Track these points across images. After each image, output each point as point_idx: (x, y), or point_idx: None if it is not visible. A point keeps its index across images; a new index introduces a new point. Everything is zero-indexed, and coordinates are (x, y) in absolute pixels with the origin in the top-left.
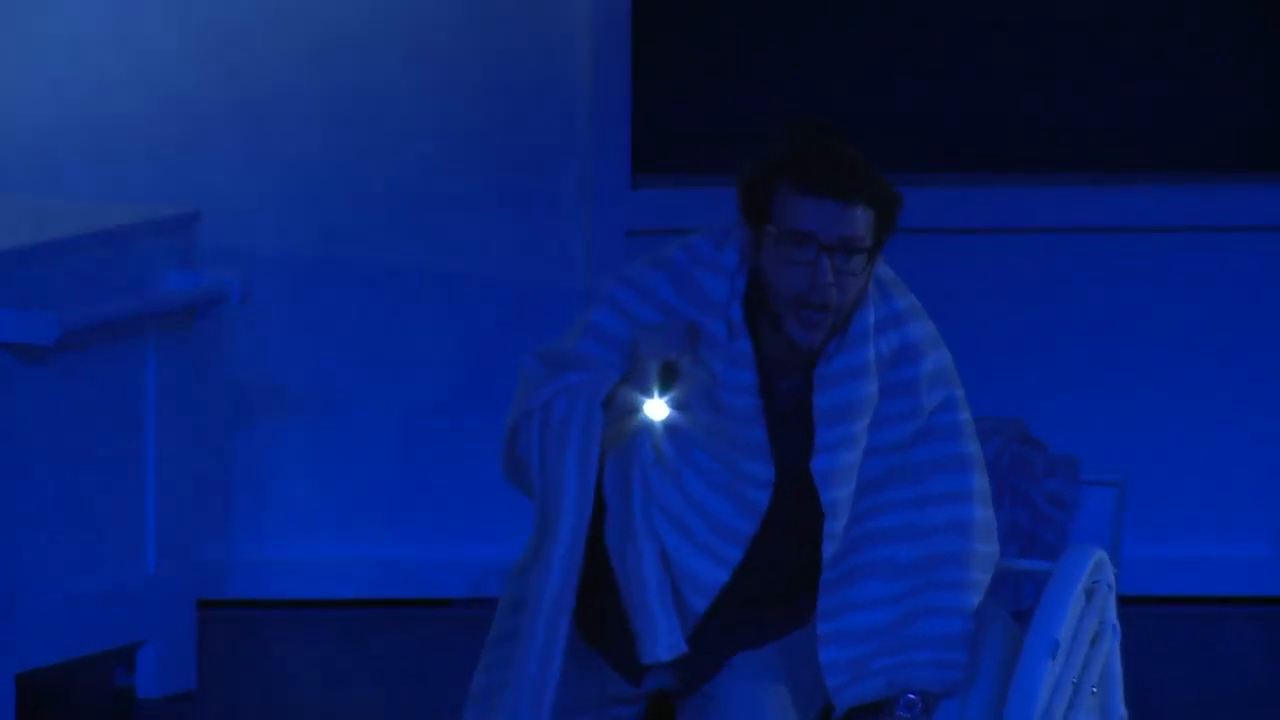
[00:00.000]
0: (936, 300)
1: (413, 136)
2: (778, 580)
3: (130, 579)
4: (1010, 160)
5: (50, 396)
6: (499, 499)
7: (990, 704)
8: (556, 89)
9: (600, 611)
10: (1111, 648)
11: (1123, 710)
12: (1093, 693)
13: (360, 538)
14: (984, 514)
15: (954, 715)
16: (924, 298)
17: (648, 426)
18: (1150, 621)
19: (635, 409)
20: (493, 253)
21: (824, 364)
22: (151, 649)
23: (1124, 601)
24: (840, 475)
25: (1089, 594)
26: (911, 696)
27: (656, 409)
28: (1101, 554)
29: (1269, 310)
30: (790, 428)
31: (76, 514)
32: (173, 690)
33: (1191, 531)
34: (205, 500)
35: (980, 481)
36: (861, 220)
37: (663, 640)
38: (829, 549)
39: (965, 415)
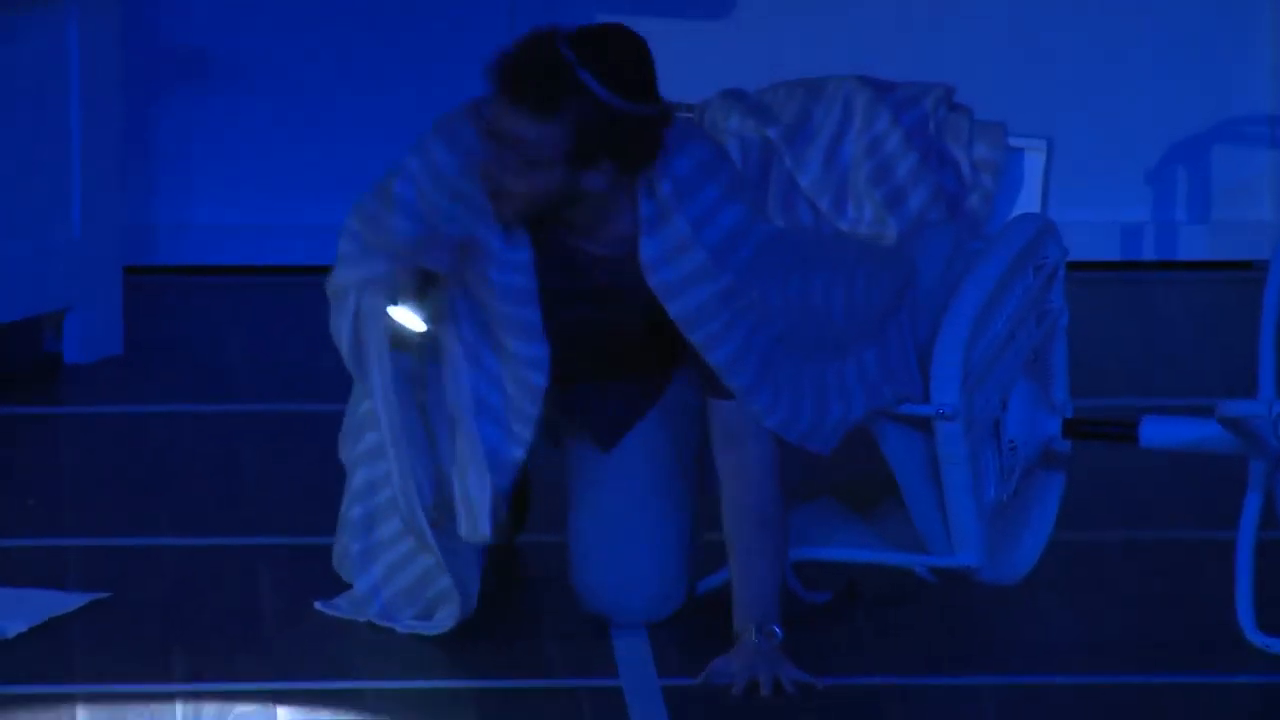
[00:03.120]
0: None
1: None
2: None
3: (56, 244)
4: None
5: None
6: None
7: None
8: None
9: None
10: (1054, 330)
11: (1065, 395)
12: (1031, 360)
13: (283, 207)
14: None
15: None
16: None
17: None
18: (1074, 287)
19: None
20: None
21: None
22: (77, 314)
23: None
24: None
25: (1037, 269)
26: None
27: (407, 318)
28: (1049, 225)
29: None
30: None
31: (2, 181)
32: (99, 356)
33: (1115, 195)
34: (130, 167)
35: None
36: (529, 127)
37: (481, 521)
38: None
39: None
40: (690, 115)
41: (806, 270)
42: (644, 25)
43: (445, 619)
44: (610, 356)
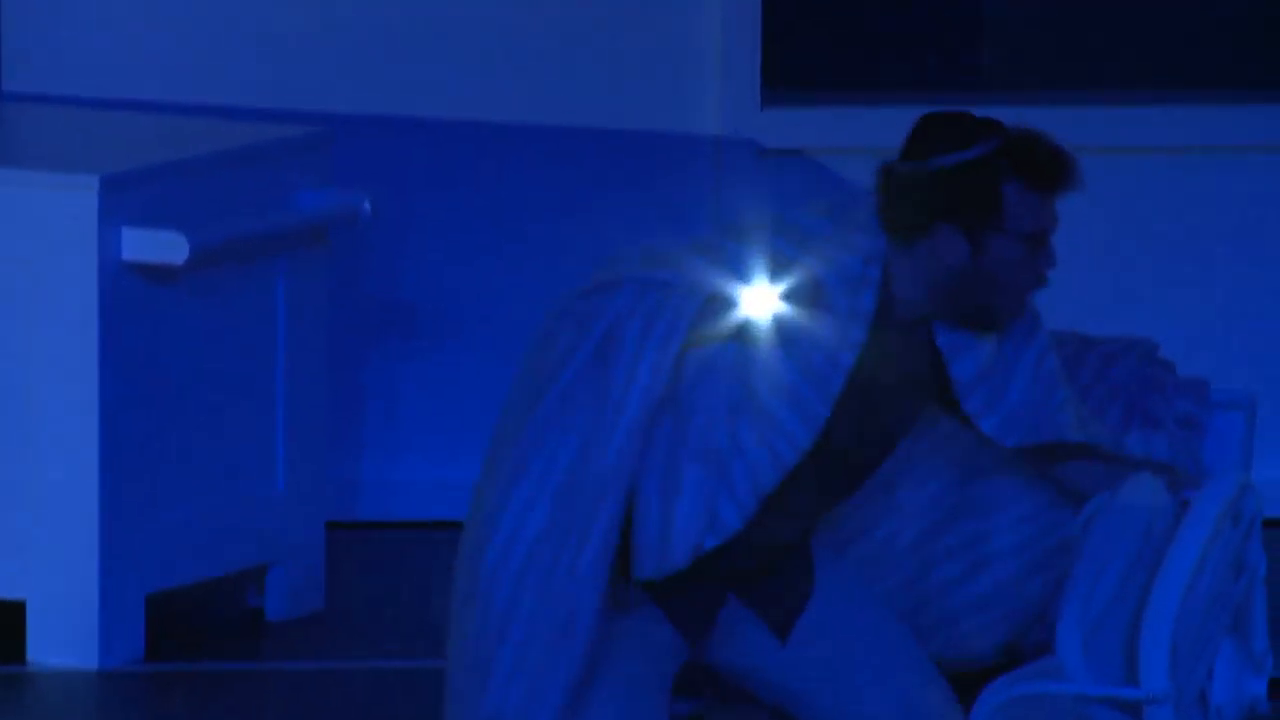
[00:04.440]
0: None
1: (536, 54)
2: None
3: (260, 500)
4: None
5: (181, 316)
6: None
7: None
8: (684, 7)
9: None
10: (1253, 583)
11: (1265, 644)
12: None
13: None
14: None
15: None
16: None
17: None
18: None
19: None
20: (621, 173)
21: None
22: (280, 570)
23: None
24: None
25: (1235, 520)
26: None
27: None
28: (1248, 480)
29: None
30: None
31: (207, 435)
32: (301, 612)
33: None
34: (335, 421)
35: None
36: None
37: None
38: None
39: None
40: None
41: None
42: None
43: None
44: (830, 494)
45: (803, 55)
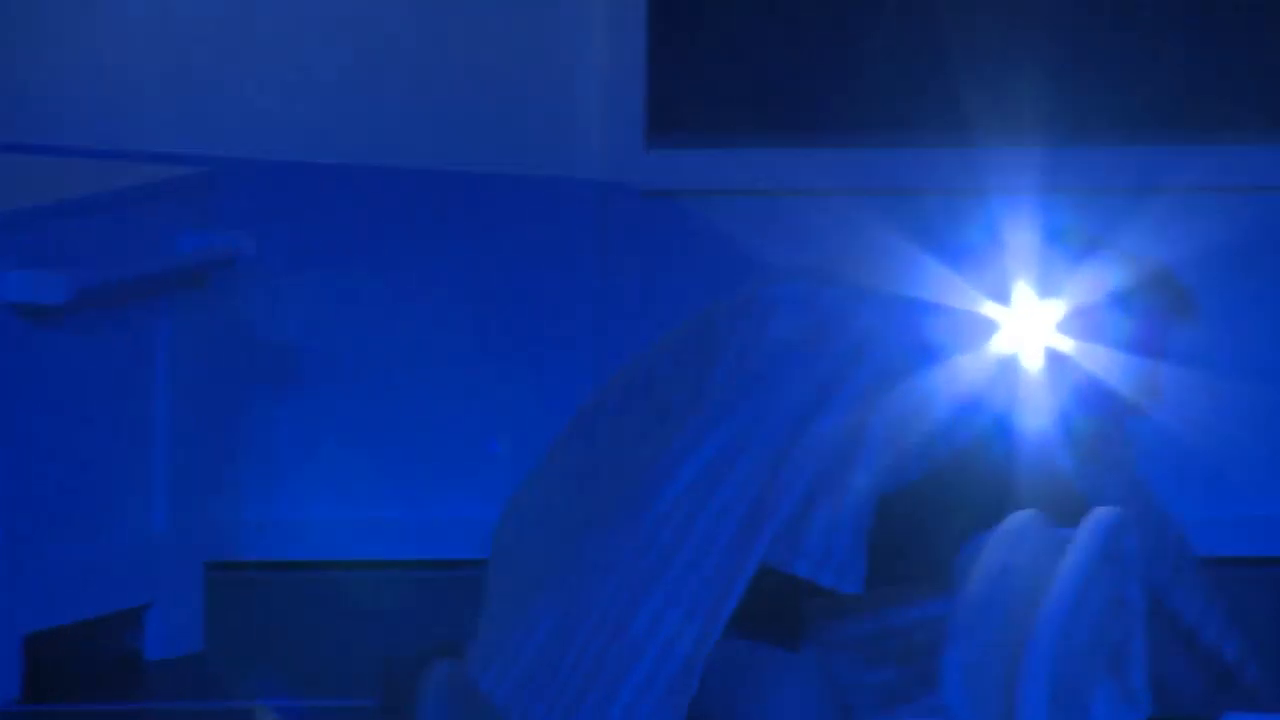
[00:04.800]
0: None
1: (418, 96)
2: None
3: (139, 540)
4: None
5: (61, 357)
6: (505, 459)
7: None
8: (568, 50)
9: None
10: (1133, 621)
11: (1143, 682)
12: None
13: (369, 500)
14: None
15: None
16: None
17: None
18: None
19: None
20: (504, 215)
21: None
22: (159, 610)
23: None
24: None
25: (1114, 559)
26: None
27: None
28: (1126, 519)
29: None
30: None
31: (85, 475)
32: (180, 652)
33: None
34: (215, 462)
35: None
36: None
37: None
38: None
39: None
40: None
41: None
42: None
43: None
44: None
45: (687, 98)
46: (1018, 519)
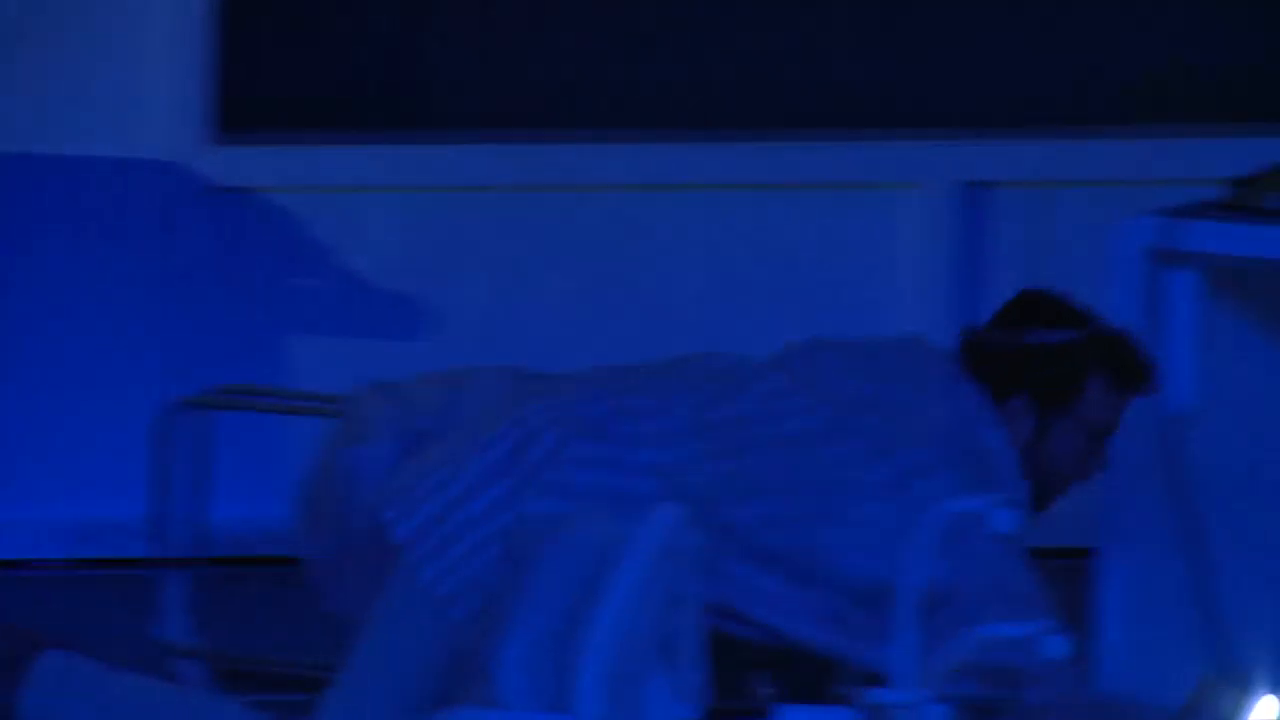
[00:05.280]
0: None
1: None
2: None
3: None
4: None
5: None
6: (89, 456)
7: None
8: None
9: None
10: (689, 615)
11: (699, 676)
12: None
13: None
14: None
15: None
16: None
17: None
18: None
19: None
20: (69, 205)
21: None
22: None
23: None
24: None
25: (672, 554)
26: None
27: None
28: (684, 515)
29: None
30: None
31: None
32: None
33: None
34: None
35: None
36: None
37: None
38: None
39: None
40: None
41: None
42: None
43: None
44: None
45: (260, 93)
46: (591, 511)
